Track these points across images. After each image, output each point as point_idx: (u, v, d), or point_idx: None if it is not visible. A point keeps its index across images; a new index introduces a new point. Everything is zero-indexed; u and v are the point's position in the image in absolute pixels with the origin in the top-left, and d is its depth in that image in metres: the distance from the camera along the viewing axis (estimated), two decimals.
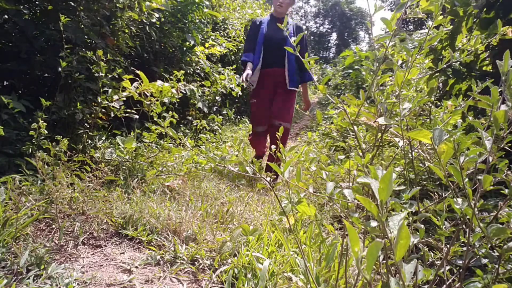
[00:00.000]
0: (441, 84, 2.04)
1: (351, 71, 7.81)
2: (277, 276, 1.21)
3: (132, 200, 1.87)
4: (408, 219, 0.89)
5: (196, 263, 1.37)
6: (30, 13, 2.47)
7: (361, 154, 1.02)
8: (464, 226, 0.84)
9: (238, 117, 5.95)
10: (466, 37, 1.82)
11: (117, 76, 2.55)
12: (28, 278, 1.14)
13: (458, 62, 1.73)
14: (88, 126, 2.44)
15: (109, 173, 1.98)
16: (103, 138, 2.57)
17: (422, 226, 0.86)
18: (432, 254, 0.99)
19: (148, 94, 2.55)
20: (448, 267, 0.93)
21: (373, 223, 0.58)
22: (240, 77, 2.93)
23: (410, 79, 1.00)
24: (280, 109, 2.96)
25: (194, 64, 4.32)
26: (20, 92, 2.43)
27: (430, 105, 1.68)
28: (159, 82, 2.55)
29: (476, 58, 1.88)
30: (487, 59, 1.90)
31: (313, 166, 1.22)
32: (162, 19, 3.61)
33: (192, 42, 3.93)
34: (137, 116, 2.65)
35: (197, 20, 4.00)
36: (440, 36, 1.83)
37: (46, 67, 2.42)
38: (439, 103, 1.99)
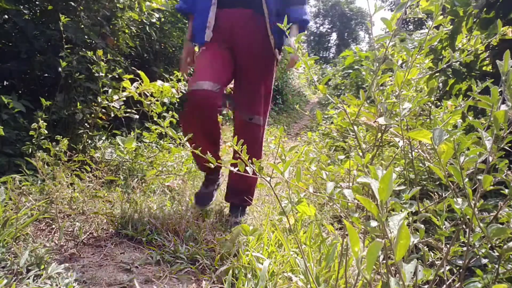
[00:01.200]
0: (441, 84, 2.04)
1: (351, 71, 7.81)
2: (277, 276, 1.21)
3: (132, 200, 1.87)
4: (408, 219, 0.89)
5: (196, 263, 1.37)
6: (30, 13, 2.47)
7: (361, 154, 1.02)
8: (464, 226, 0.84)
9: None
10: (466, 37, 1.82)
11: (117, 76, 2.55)
12: (28, 278, 1.14)
13: (458, 62, 1.73)
14: (88, 126, 2.44)
15: (109, 173, 1.98)
16: (103, 138, 2.57)
17: (422, 226, 0.86)
18: (432, 254, 0.99)
19: (148, 94, 2.55)
20: (448, 267, 0.93)
21: (373, 223, 0.58)
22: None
23: (410, 79, 1.00)
24: (248, 94, 1.77)
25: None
26: (20, 92, 2.43)
27: (430, 105, 1.68)
28: (159, 82, 2.55)
29: (476, 58, 1.88)
30: (487, 59, 1.90)
31: (313, 166, 1.22)
32: (162, 19, 3.61)
33: None
34: (137, 116, 2.65)
35: None
36: (440, 36, 1.83)
37: (46, 67, 2.42)
38: (439, 103, 1.99)
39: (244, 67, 1.76)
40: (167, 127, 1.17)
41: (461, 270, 0.80)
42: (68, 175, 1.91)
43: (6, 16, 2.33)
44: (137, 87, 2.49)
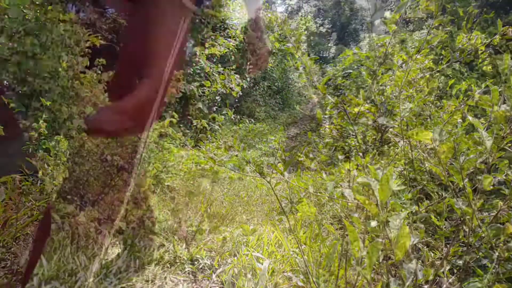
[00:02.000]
0: (441, 84, 2.04)
1: (351, 71, 7.80)
2: (277, 276, 1.21)
3: None
4: (408, 219, 0.89)
5: (196, 263, 1.37)
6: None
7: (361, 154, 1.02)
8: (464, 226, 0.84)
9: (238, 117, 5.96)
10: (466, 37, 1.82)
11: None
12: None
13: (458, 62, 1.74)
14: None
15: None
16: None
17: (422, 226, 0.86)
18: (432, 254, 0.99)
19: None
20: (448, 267, 0.93)
21: (373, 223, 0.58)
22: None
23: (410, 79, 1.00)
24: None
25: (194, 64, 4.32)
26: (20, 92, 2.42)
27: (430, 105, 1.68)
28: None
29: (476, 58, 1.88)
30: (487, 59, 1.90)
31: (313, 166, 1.21)
32: None
33: (192, 42, 3.93)
34: None
35: (197, 20, 4.00)
36: (440, 36, 1.83)
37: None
38: (439, 103, 1.99)
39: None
40: (167, 127, 1.17)
41: (461, 270, 0.80)
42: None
43: (6, 16, 2.32)
44: None
